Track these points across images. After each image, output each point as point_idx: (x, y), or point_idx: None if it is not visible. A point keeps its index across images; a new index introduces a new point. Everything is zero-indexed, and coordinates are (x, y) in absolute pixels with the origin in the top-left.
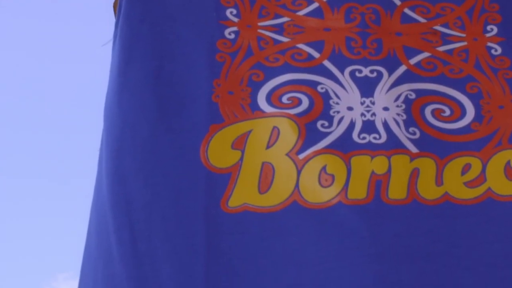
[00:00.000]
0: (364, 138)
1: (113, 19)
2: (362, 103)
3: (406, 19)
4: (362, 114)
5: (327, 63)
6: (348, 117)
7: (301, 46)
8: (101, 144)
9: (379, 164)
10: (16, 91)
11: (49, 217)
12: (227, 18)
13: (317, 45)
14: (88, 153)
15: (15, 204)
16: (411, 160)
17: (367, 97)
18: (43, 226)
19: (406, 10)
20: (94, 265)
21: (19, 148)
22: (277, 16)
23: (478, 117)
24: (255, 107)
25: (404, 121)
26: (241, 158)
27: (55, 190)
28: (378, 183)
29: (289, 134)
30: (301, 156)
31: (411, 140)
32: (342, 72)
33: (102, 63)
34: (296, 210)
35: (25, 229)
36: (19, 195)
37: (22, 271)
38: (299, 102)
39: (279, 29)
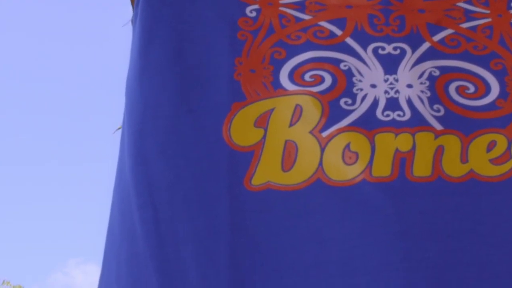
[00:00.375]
0: (388, 115)
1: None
2: (385, 81)
3: None
4: (386, 92)
5: (349, 41)
6: (371, 94)
7: (323, 23)
8: (123, 125)
9: (403, 142)
10: (33, 75)
11: (59, 204)
12: None
13: (339, 23)
14: (102, 138)
15: (24, 191)
16: (436, 137)
17: (390, 74)
18: (54, 212)
19: None
20: (118, 247)
21: (32, 133)
22: None
23: (503, 94)
24: (277, 85)
25: (428, 98)
26: (264, 136)
27: (66, 176)
28: (403, 161)
29: (312, 112)
30: (325, 134)
31: (436, 117)
32: (365, 49)
33: (119, 45)
34: (319, 188)
35: (36, 216)
36: (27, 181)
37: (34, 258)
38: (322, 79)
39: (300, 6)
